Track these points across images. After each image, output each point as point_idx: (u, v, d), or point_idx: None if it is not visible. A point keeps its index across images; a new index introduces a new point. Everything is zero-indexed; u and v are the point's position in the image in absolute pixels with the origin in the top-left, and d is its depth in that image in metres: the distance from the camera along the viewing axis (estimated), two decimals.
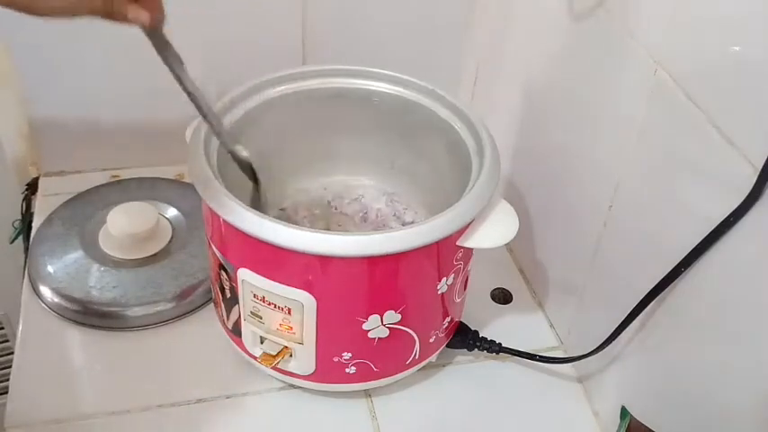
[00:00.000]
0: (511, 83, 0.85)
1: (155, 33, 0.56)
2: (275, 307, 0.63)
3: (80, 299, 0.75)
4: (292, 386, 0.72)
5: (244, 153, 0.67)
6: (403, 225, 0.78)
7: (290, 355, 0.66)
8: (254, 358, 0.68)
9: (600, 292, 0.71)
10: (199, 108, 0.62)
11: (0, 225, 0.93)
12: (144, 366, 0.73)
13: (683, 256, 0.55)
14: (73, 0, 0.50)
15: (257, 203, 0.70)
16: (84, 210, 0.84)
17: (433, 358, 0.73)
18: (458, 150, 0.70)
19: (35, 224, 0.85)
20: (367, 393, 0.73)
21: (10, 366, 0.72)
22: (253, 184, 0.69)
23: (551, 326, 0.82)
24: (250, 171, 0.68)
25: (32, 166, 0.93)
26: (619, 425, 0.57)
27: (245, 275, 0.62)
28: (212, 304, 0.75)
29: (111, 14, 0.52)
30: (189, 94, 0.60)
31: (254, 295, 0.63)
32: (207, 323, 0.76)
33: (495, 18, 0.88)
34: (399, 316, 0.64)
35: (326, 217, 0.80)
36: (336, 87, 0.75)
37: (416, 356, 0.70)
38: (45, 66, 0.84)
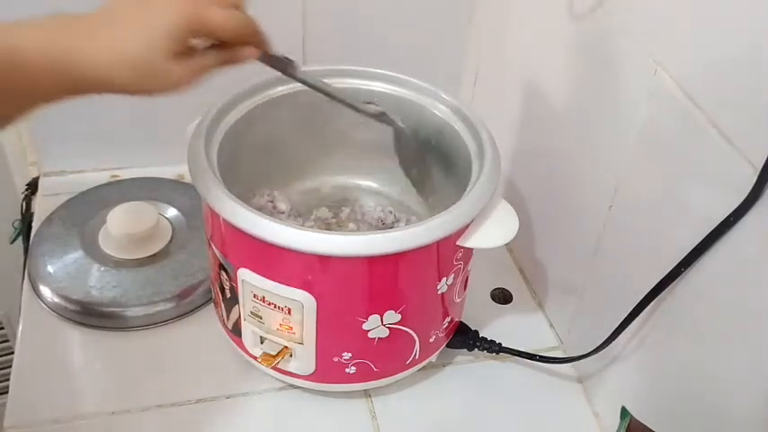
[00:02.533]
0: (511, 83, 0.85)
1: (265, 57, 0.57)
2: (275, 307, 0.63)
3: (80, 299, 0.75)
4: (292, 386, 0.72)
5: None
6: (403, 225, 0.78)
7: (290, 355, 0.66)
8: (254, 358, 0.68)
9: (600, 292, 0.71)
10: (327, 94, 0.65)
11: (0, 225, 0.93)
12: (144, 366, 0.73)
13: (683, 256, 0.55)
14: (187, 74, 0.50)
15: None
16: (84, 210, 0.84)
17: (433, 358, 0.73)
18: (458, 150, 0.70)
19: (35, 224, 0.85)
20: (367, 393, 0.73)
21: (10, 366, 0.72)
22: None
23: (551, 326, 0.82)
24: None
25: (32, 166, 0.93)
26: (619, 425, 0.56)
27: (245, 275, 0.62)
28: (212, 304, 0.75)
29: (228, 64, 0.53)
30: (315, 88, 0.64)
31: (254, 295, 0.63)
32: (207, 323, 0.76)
33: (496, 18, 0.88)
34: (399, 316, 0.64)
35: (327, 217, 0.80)
36: (336, 87, 0.74)
37: (416, 356, 0.70)
38: None
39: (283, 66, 0.60)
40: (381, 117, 0.70)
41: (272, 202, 0.78)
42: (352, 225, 0.79)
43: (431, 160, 0.74)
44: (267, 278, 0.61)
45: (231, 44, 0.52)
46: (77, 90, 0.48)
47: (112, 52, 0.47)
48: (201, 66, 0.51)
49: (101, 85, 0.48)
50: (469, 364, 0.77)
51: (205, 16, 0.48)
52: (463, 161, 0.69)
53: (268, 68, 0.73)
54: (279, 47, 0.88)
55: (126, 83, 0.48)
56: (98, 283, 0.76)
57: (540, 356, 0.74)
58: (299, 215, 0.79)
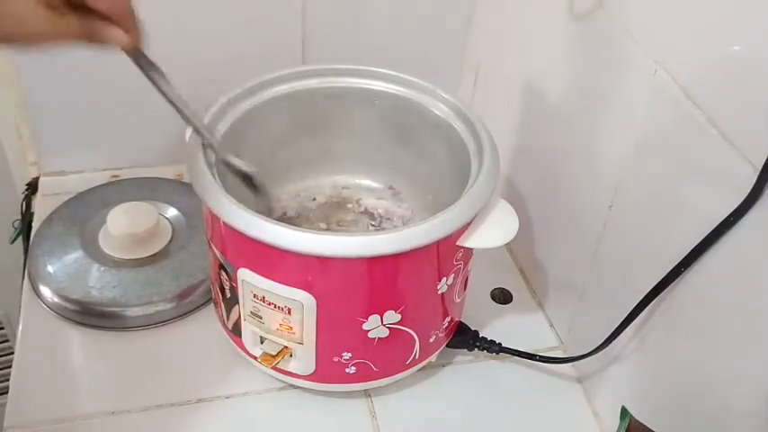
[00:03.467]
0: (511, 83, 0.85)
1: (135, 54, 0.56)
2: (275, 307, 0.63)
3: (80, 299, 0.75)
4: (292, 386, 0.72)
5: (237, 162, 0.65)
6: (403, 225, 0.78)
7: (290, 355, 0.66)
8: (254, 358, 0.68)
9: (600, 292, 0.71)
10: (186, 120, 0.61)
11: (0, 225, 0.93)
12: (144, 366, 0.73)
13: (683, 257, 0.55)
14: (49, 28, 0.49)
15: (265, 211, 0.68)
16: (84, 210, 0.84)
17: (432, 358, 0.73)
18: (457, 150, 0.70)
19: (35, 224, 0.85)
20: (367, 393, 0.73)
21: (10, 366, 0.72)
22: (253, 193, 0.68)
23: (551, 326, 0.82)
24: (249, 180, 0.67)
25: (32, 166, 0.93)
26: (619, 425, 0.56)
27: (245, 275, 0.62)
28: (212, 304, 0.75)
29: (91, 40, 0.52)
30: (174, 106, 0.59)
31: (254, 295, 0.63)
32: (207, 323, 0.76)
33: (496, 18, 0.88)
34: (399, 316, 0.64)
35: (326, 217, 0.80)
36: (336, 87, 0.75)
37: (416, 356, 0.70)
38: (45, 66, 0.84)
39: (151, 70, 0.57)
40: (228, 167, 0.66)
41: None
42: (351, 225, 0.79)
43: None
44: (267, 278, 0.61)
45: (103, 18, 0.51)
46: None
47: None
48: (65, 24, 0.50)
49: None
50: (469, 364, 0.77)
51: None
52: (462, 161, 0.69)
53: (267, 68, 0.74)
54: (278, 46, 0.89)
55: None
56: (98, 283, 0.76)
57: (540, 356, 0.74)
58: (299, 215, 0.79)
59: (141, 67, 0.57)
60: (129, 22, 0.53)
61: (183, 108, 0.60)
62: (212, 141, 0.64)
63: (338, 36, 0.90)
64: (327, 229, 0.78)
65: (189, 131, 0.67)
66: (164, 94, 0.58)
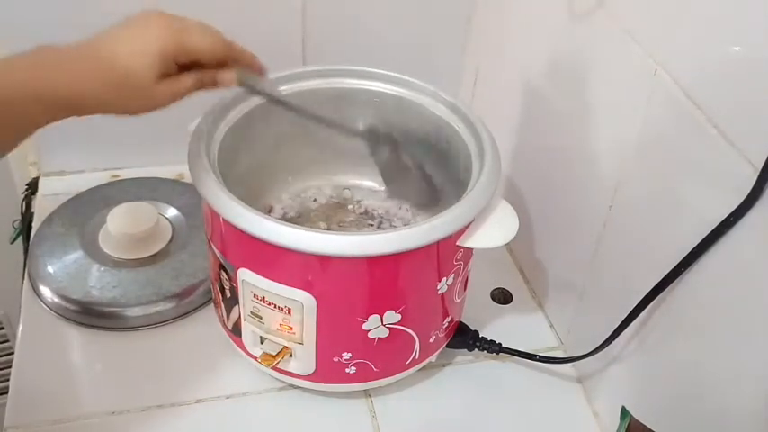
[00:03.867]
0: (511, 83, 0.85)
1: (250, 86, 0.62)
2: (275, 307, 0.63)
3: (80, 299, 0.75)
4: (292, 386, 0.72)
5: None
6: (403, 225, 0.78)
7: (290, 355, 0.66)
8: (254, 358, 0.68)
9: (600, 292, 0.71)
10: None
11: (0, 225, 0.93)
12: (144, 366, 0.73)
13: (683, 256, 0.55)
14: (171, 97, 0.55)
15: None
16: (84, 210, 0.84)
17: (432, 358, 0.73)
18: (458, 151, 0.70)
19: (35, 224, 0.85)
20: (367, 393, 0.73)
21: (10, 366, 0.72)
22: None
23: (551, 326, 0.82)
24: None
25: (32, 166, 0.93)
26: (619, 425, 0.56)
27: (245, 275, 0.62)
28: (212, 304, 0.75)
29: (204, 88, 0.58)
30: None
31: (254, 295, 0.63)
32: (207, 323, 0.76)
33: (496, 18, 0.88)
34: (399, 316, 0.64)
35: (327, 217, 0.80)
36: (337, 88, 0.74)
37: (416, 356, 0.70)
38: None
39: (269, 93, 0.63)
40: (370, 135, 0.70)
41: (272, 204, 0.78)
42: (352, 226, 0.79)
43: (416, 176, 0.73)
44: (267, 278, 0.61)
45: (212, 67, 0.56)
46: (64, 113, 0.53)
47: (98, 78, 0.51)
48: (183, 87, 0.55)
49: (86, 107, 0.53)
50: (469, 364, 0.77)
51: (188, 41, 0.53)
52: (463, 161, 0.69)
53: (268, 68, 0.73)
54: (279, 46, 0.88)
55: (110, 103, 0.53)
56: (98, 283, 0.76)
57: (540, 356, 0.74)
58: (300, 215, 0.79)
59: (256, 92, 0.63)
60: (241, 61, 0.58)
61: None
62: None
63: (338, 36, 0.90)
64: (328, 229, 0.78)
65: (189, 130, 0.67)
66: (290, 108, 0.64)
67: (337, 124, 0.66)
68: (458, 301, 0.71)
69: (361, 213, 0.80)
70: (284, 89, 0.72)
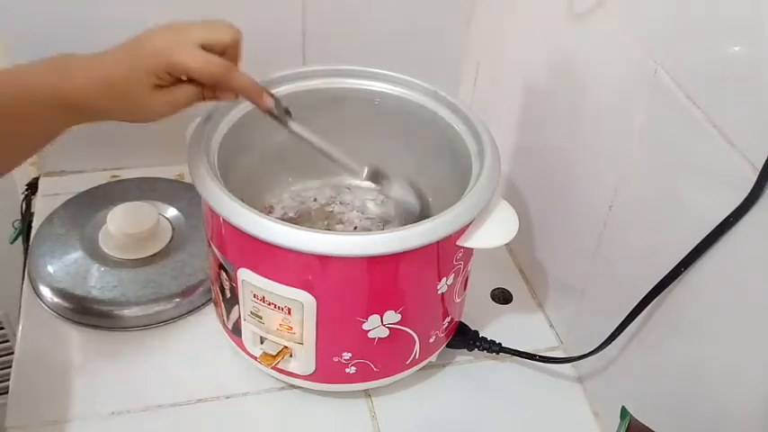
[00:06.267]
0: (511, 83, 0.85)
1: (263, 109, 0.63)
2: (275, 307, 0.63)
3: (80, 299, 0.75)
4: (292, 386, 0.72)
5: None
6: (403, 225, 0.78)
7: (290, 355, 0.66)
8: (254, 358, 0.68)
9: (600, 292, 0.71)
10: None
11: (0, 225, 0.93)
12: (144, 366, 0.73)
13: (683, 256, 0.55)
14: (170, 107, 0.58)
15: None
16: (84, 210, 0.84)
17: (432, 358, 0.73)
18: (458, 151, 0.70)
19: (35, 224, 0.85)
20: (367, 393, 0.73)
21: (10, 366, 0.72)
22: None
23: (551, 326, 0.82)
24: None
25: (32, 166, 0.93)
26: (619, 425, 0.56)
27: (245, 275, 0.62)
28: (212, 304, 0.75)
29: (207, 99, 0.60)
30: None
31: (254, 295, 0.63)
32: (207, 323, 0.76)
33: (496, 18, 0.88)
34: (399, 316, 0.64)
35: (327, 217, 0.80)
36: (337, 88, 0.75)
37: (416, 356, 0.70)
38: None
39: (279, 116, 0.63)
40: (374, 176, 0.70)
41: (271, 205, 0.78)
42: (351, 225, 0.79)
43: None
44: (267, 278, 0.61)
45: (208, 84, 0.58)
46: (76, 118, 0.57)
47: (103, 84, 0.55)
48: (180, 97, 0.58)
49: (94, 113, 0.57)
50: (469, 364, 0.77)
51: (177, 59, 0.55)
52: (463, 161, 0.69)
53: (268, 69, 0.74)
54: (279, 46, 0.88)
55: (113, 109, 0.57)
56: (98, 283, 0.76)
57: (540, 356, 0.74)
58: (300, 215, 0.79)
59: (270, 115, 0.63)
60: (234, 84, 0.59)
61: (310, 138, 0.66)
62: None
63: (339, 37, 0.90)
64: (328, 229, 0.78)
65: (189, 131, 0.67)
66: (295, 135, 0.65)
67: (343, 162, 0.68)
68: (458, 301, 0.71)
69: (361, 213, 0.80)
70: (284, 89, 0.72)
